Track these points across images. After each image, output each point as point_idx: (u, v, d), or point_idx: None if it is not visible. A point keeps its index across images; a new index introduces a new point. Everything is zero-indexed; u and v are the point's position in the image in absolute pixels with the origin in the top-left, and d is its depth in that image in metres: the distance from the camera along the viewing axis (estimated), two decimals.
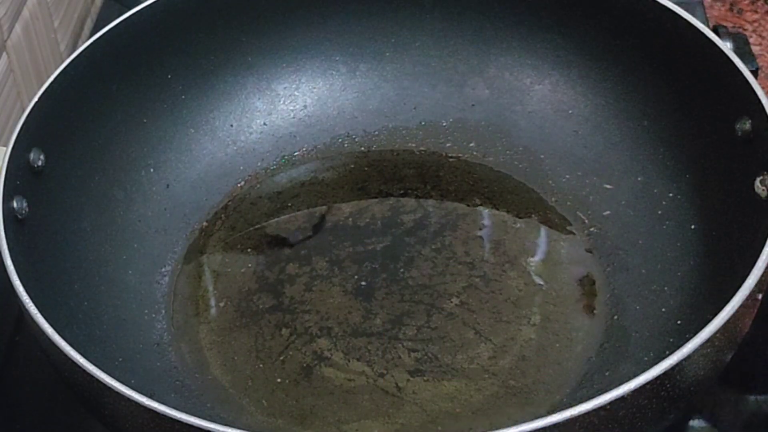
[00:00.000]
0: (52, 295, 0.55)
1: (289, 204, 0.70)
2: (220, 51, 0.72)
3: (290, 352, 0.61)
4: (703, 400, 0.59)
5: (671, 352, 0.45)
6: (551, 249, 0.66)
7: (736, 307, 0.47)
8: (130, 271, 0.64)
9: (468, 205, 0.69)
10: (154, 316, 0.63)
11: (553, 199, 0.68)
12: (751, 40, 0.77)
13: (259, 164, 0.72)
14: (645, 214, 0.64)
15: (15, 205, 0.56)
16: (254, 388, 0.59)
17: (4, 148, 0.57)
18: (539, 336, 0.60)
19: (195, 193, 0.70)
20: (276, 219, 0.69)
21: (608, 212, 0.66)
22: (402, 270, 0.65)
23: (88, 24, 0.90)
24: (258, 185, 0.71)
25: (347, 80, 0.74)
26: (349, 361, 0.60)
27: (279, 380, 0.59)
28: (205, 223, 0.69)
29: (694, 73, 0.62)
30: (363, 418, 0.57)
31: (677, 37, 0.63)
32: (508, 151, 0.71)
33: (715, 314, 0.47)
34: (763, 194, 0.54)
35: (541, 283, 0.64)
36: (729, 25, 0.86)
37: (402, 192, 0.70)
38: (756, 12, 0.88)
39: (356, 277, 0.64)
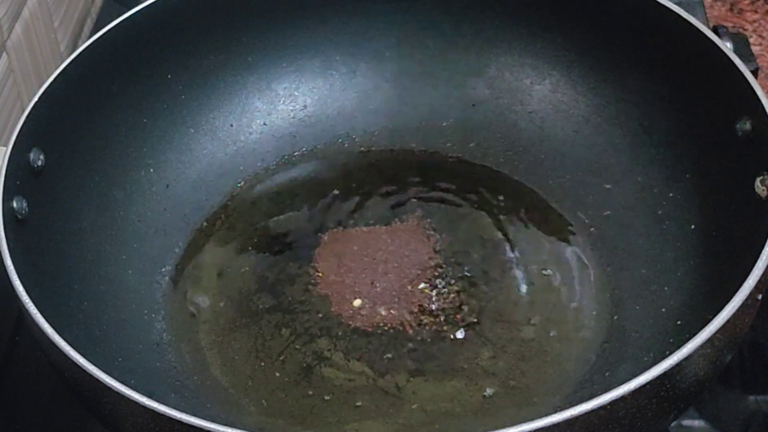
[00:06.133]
0: (52, 295, 0.55)
1: (289, 204, 0.70)
2: (220, 51, 0.72)
3: (290, 352, 0.61)
4: (703, 400, 0.59)
5: (671, 352, 0.45)
6: (551, 249, 0.65)
7: (736, 307, 0.47)
8: (130, 271, 0.64)
9: (468, 205, 0.69)
10: (153, 316, 0.63)
11: (553, 199, 0.68)
12: (751, 40, 0.77)
13: (259, 164, 0.72)
14: (645, 214, 0.64)
15: (15, 205, 0.56)
16: (254, 388, 0.59)
17: (4, 148, 0.57)
18: (539, 336, 0.60)
19: (195, 193, 0.70)
20: (276, 219, 0.69)
21: (608, 212, 0.66)
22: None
23: (88, 24, 0.90)
24: (258, 185, 0.71)
25: (347, 80, 0.74)
26: (349, 361, 0.60)
27: (279, 380, 0.59)
28: (205, 223, 0.69)
29: (694, 73, 0.62)
30: (363, 418, 0.57)
31: (677, 37, 0.63)
32: (508, 151, 0.71)
33: (715, 314, 0.47)
34: (763, 194, 0.54)
35: (541, 282, 0.63)
36: (729, 25, 0.86)
37: (402, 192, 0.70)
38: (756, 12, 0.88)
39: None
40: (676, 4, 0.63)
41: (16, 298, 0.51)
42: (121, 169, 0.67)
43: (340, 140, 0.73)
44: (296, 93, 0.74)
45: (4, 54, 0.73)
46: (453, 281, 0.64)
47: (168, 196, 0.69)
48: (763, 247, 0.50)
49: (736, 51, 0.61)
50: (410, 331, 0.61)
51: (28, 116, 0.59)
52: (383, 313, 0.62)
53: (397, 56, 0.74)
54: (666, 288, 0.60)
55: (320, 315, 0.62)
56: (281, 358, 0.60)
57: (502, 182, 0.69)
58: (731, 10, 0.89)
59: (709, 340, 0.46)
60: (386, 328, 0.61)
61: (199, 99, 0.71)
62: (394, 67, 0.74)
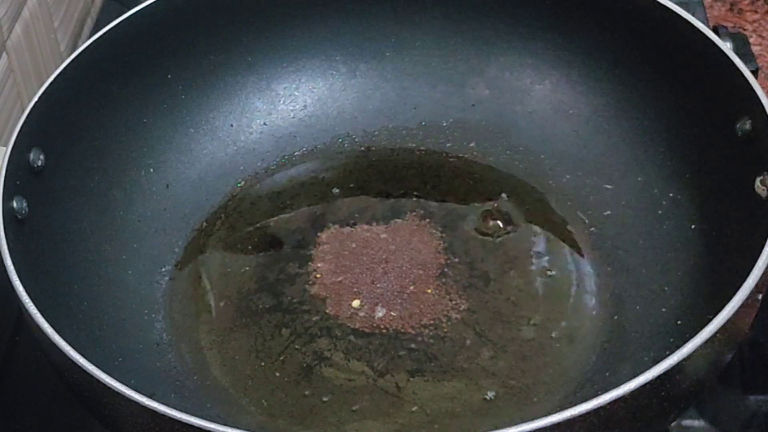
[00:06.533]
0: (52, 295, 0.55)
1: (289, 204, 0.70)
2: (220, 51, 0.72)
3: (290, 352, 0.61)
4: (703, 400, 0.59)
5: (671, 352, 0.45)
6: (551, 249, 0.66)
7: (736, 307, 0.47)
8: (130, 271, 0.64)
9: (468, 205, 0.69)
10: (153, 316, 0.63)
11: (553, 199, 0.68)
12: (751, 40, 0.77)
13: (259, 164, 0.72)
14: (645, 214, 0.64)
15: (15, 205, 0.56)
16: (254, 388, 0.59)
17: (4, 148, 0.57)
18: (539, 336, 0.60)
19: (195, 193, 0.70)
20: (276, 219, 0.69)
21: (608, 212, 0.66)
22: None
23: (88, 24, 0.90)
24: (258, 185, 0.71)
25: (347, 80, 0.74)
26: (349, 361, 0.60)
27: (279, 380, 0.59)
28: (205, 223, 0.69)
29: (694, 73, 0.62)
30: (363, 418, 0.57)
31: (677, 37, 0.63)
32: (508, 151, 0.71)
33: (715, 314, 0.47)
34: (763, 194, 0.54)
35: (542, 283, 0.64)
36: (729, 25, 0.86)
37: (402, 192, 0.70)
38: (756, 12, 0.88)
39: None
40: (676, 4, 0.63)
41: (16, 298, 0.51)
42: (121, 169, 0.67)
43: (340, 140, 0.73)
44: (296, 93, 0.74)
45: (4, 54, 0.73)
46: (453, 281, 0.64)
47: (168, 196, 0.69)
48: (763, 247, 0.50)
49: (736, 51, 0.61)
50: (410, 331, 0.61)
51: (28, 116, 0.59)
52: (383, 313, 0.62)
53: (397, 56, 0.74)
54: (666, 288, 0.60)
55: (320, 315, 0.62)
56: (281, 358, 0.60)
57: (502, 182, 0.69)
58: (731, 10, 0.89)
59: (709, 340, 0.46)
60: (386, 328, 0.61)
61: (199, 99, 0.71)
62: (394, 67, 0.74)
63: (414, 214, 0.68)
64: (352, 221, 0.68)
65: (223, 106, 0.72)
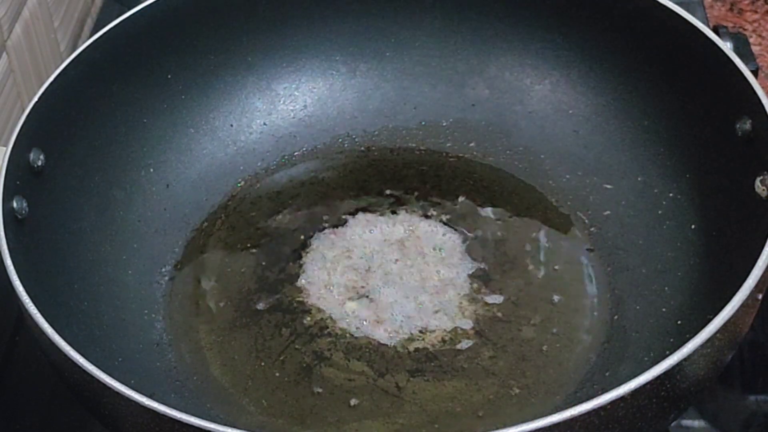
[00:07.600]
0: (52, 295, 0.55)
1: (289, 204, 0.70)
2: (220, 51, 0.72)
3: (290, 352, 0.61)
4: (703, 400, 0.59)
5: (671, 352, 0.45)
6: (551, 249, 0.66)
7: (736, 307, 0.47)
8: (130, 271, 0.64)
9: (468, 205, 0.69)
10: (153, 316, 0.63)
11: (553, 199, 0.68)
12: (751, 40, 0.77)
13: (259, 164, 0.72)
14: (645, 214, 0.64)
15: (15, 205, 0.56)
16: (254, 388, 0.59)
17: (4, 148, 0.57)
18: (539, 336, 0.60)
19: (195, 193, 0.70)
20: (276, 219, 0.69)
21: (608, 212, 0.66)
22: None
23: (88, 24, 0.90)
24: (258, 185, 0.71)
25: (347, 80, 0.74)
26: (349, 361, 0.60)
27: (279, 380, 0.59)
28: (205, 223, 0.69)
29: (694, 73, 0.62)
30: (363, 418, 0.57)
31: (677, 37, 0.63)
32: (508, 151, 0.71)
33: (715, 314, 0.47)
34: (763, 194, 0.54)
35: (542, 283, 0.64)
36: (729, 25, 0.86)
37: (402, 192, 0.70)
38: (756, 12, 0.88)
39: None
40: (676, 4, 0.63)
41: (16, 298, 0.51)
42: (121, 169, 0.67)
43: (340, 140, 0.73)
44: (296, 93, 0.74)
45: (4, 54, 0.73)
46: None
47: (168, 196, 0.69)
48: (763, 247, 0.50)
49: (736, 51, 0.61)
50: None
51: (28, 116, 0.59)
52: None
53: (397, 56, 0.74)
54: (666, 288, 0.60)
55: (320, 315, 0.62)
56: (281, 358, 0.60)
57: (502, 182, 0.69)
58: (731, 10, 0.89)
59: (709, 340, 0.46)
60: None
61: (199, 99, 0.71)
62: (394, 67, 0.74)
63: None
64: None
65: (223, 106, 0.72)
